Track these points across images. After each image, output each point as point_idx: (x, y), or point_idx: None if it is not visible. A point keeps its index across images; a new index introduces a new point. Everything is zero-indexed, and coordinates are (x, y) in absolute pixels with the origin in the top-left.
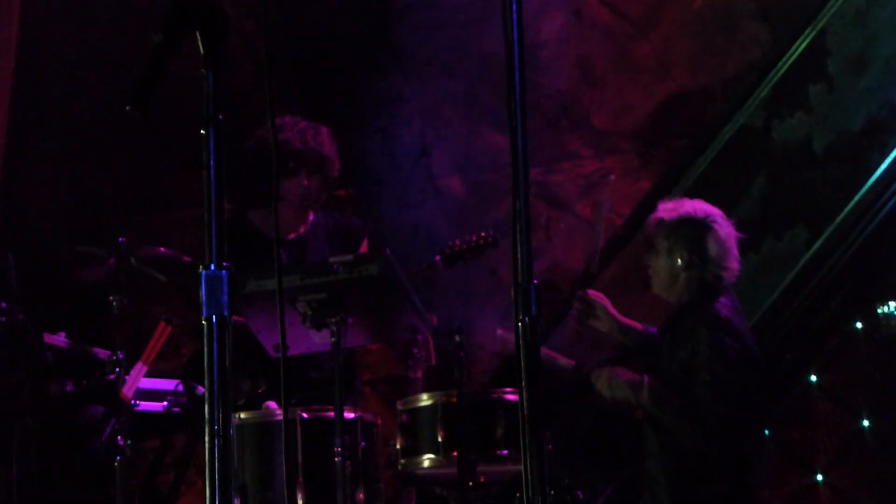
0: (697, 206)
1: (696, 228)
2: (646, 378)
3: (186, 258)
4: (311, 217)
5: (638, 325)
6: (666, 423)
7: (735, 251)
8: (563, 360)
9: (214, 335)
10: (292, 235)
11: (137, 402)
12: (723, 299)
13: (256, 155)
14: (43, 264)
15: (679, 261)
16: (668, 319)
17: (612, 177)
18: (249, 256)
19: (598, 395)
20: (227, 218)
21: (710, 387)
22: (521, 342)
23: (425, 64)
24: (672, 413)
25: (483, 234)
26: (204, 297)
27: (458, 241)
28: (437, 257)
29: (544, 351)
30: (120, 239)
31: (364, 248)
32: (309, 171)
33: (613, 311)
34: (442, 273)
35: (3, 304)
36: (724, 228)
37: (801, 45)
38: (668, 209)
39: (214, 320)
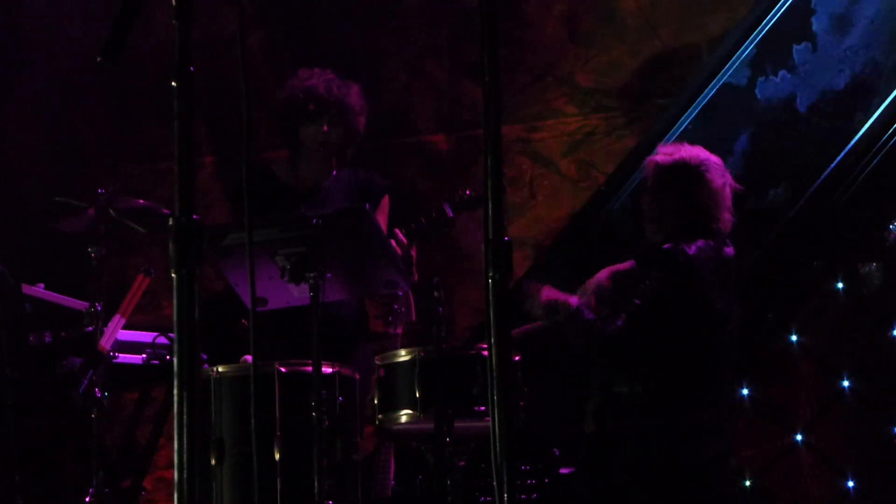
0: (694, 153)
1: (688, 173)
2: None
3: (165, 210)
4: (334, 171)
5: (570, 300)
6: (573, 343)
7: (728, 202)
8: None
9: (184, 287)
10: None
11: (116, 353)
12: (701, 242)
13: (283, 102)
14: (22, 215)
15: (667, 204)
16: (643, 254)
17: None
18: (272, 207)
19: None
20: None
21: (634, 314)
22: (490, 298)
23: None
24: (582, 330)
25: None
26: (173, 249)
27: (467, 190)
28: (446, 204)
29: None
30: (99, 190)
31: (384, 206)
32: (330, 119)
33: (543, 299)
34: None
35: None
36: (718, 177)
37: (786, 3)
38: (666, 153)
39: (184, 272)
